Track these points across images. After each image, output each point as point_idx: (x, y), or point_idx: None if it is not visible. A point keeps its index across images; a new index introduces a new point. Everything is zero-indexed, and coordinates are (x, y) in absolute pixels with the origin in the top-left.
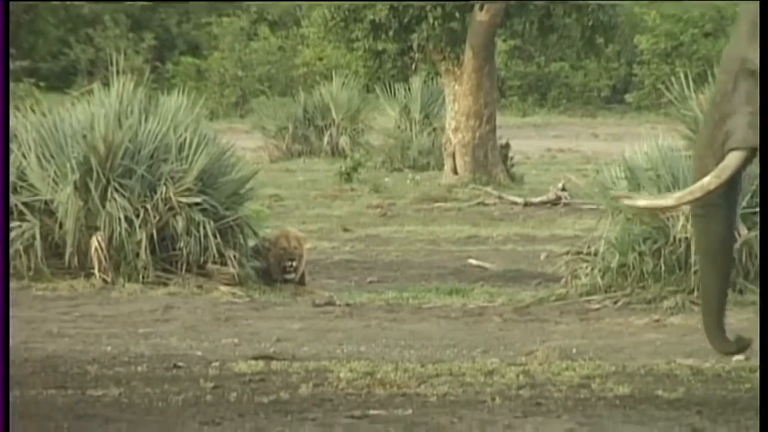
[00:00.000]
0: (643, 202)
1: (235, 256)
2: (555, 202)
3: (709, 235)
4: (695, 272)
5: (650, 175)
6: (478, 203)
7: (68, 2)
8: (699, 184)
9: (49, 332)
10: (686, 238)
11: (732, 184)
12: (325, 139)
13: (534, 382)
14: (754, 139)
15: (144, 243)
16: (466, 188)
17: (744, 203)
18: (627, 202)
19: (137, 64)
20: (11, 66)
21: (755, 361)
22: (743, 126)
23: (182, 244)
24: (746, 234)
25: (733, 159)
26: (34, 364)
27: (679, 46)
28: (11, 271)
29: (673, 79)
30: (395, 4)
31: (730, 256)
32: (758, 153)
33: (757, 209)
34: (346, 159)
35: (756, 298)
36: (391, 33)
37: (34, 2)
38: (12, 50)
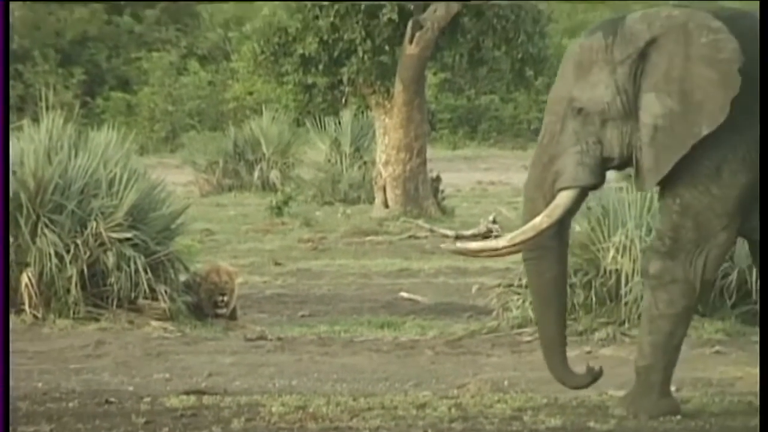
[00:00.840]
0: (474, 245)
1: (166, 291)
2: (486, 235)
3: (543, 277)
4: (626, 303)
5: (581, 207)
6: (410, 236)
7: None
8: (531, 224)
9: None
10: (617, 270)
11: (563, 225)
12: (256, 173)
13: (466, 415)
14: (584, 178)
15: (75, 278)
16: (398, 221)
17: None
18: (460, 247)
19: (67, 99)
20: None
21: (687, 392)
22: (572, 165)
23: (113, 280)
24: None
25: (563, 198)
26: None
27: None
28: None
29: None
30: (325, 37)
31: (564, 296)
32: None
33: None
34: (276, 193)
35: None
36: (321, 67)
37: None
38: None
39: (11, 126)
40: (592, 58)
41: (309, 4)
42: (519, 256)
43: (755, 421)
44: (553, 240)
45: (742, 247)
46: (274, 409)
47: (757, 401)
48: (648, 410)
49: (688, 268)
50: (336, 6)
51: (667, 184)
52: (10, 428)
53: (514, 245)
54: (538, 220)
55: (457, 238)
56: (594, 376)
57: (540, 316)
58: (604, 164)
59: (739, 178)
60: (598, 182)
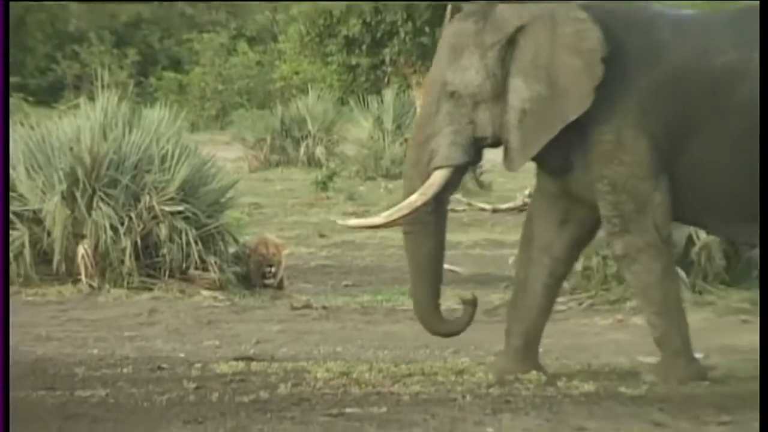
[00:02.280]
0: (355, 222)
1: (216, 262)
2: (522, 209)
3: (420, 249)
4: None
5: None
6: (449, 210)
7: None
8: (407, 201)
9: (39, 336)
10: None
11: (439, 202)
12: (302, 149)
13: (502, 381)
14: (457, 157)
15: (129, 250)
16: None
17: None
18: (342, 223)
19: (121, 79)
20: None
21: (715, 359)
22: (446, 145)
23: (165, 251)
24: (704, 238)
25: (438, 177)
26: (24, 366)
27: None
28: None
29: None
30: (368, 19)
31: (440, 268)
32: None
33: None
34: (321, 168)
35: (713, 298)
36: (364, 48)
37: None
38: None
39: (67, 104)
40: (463, 42)
41: None
42: None
43: None
44: (430, 215)
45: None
46: (318, 375)
47: None
48: (677, 376)
49: (644, 234)
50: None
51: (589, 171)
52: (66, 392)
53: (392, 220)
54: (413, 197)
55: (494, 211)
56: (469, 316)
57: (415, 283)
58: (476, 143)
59: (640, 143)
60: (472, 160)
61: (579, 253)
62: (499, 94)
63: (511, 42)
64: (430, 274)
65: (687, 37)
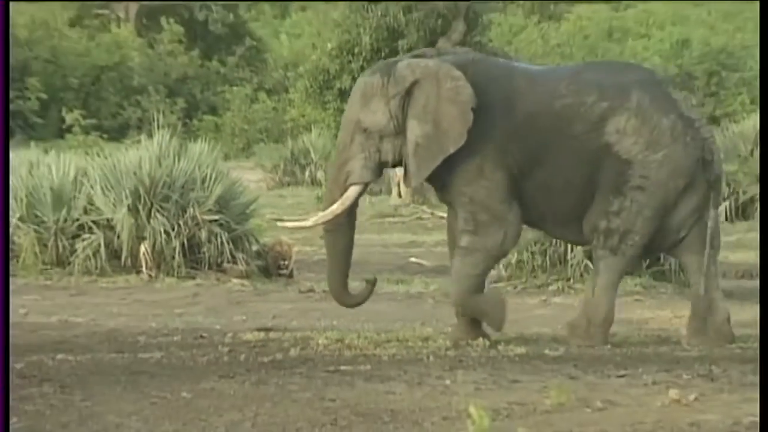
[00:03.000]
0: (289, 224)
1: (243, 258)
2: None
3: (336, 246)
4: (571, 265)
5: None
6: (417, 218)
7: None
8: (330, 209)
9: (111, 312)
10: (564, 241)
11: (352, 209)
12: (307, 173)
13: (457, 345)
14: (367, 176)
15: (177, 248)
16: (408, 207)
17: None
18: (280, 224)
19: (172, 121)
20: (84, 122)
21: (615, 328)
22: (359, 168)
23: (205, 249)
24: None
25: (352, 191)
26: (100, 335)
27: None
28: (82, 269)
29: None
30: (356, 76)
31: (349, 258)
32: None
33: None
34: (321, 187)
35: None
36: None
37: (99, 76)
38: (83, 111)
39: (132, 140)
40: (372, 92)
41: (344, 51)
42: None
43: (663, 348)
44: (345, 219)
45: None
46: (320, 342)
47: (664, 334)
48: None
49: (488, 241)
50: (363, 53)
51: (453, 188)
52: (129, 354)
53: (318, 224)
54: (335, 206)
55: None
56: (369, 290)
57: (331, 271)
58: (381, 166)
59: (498, 174)
60: (377, 178)
61: None
62: (399, 131)
63: (408, 93)
64: (343, 263)
65: (537, 87)
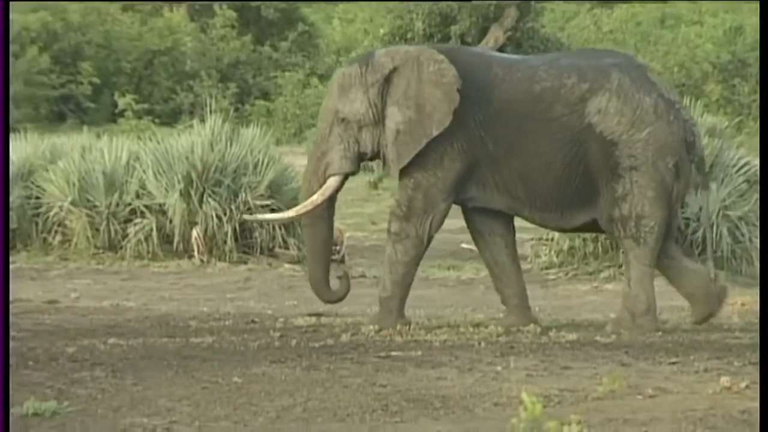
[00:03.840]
0: (270, 216)
1: (294, 243)
2: None
3: (316, 238)
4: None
5: None
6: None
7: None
8: (310, 200)
9: (163, 297)
10: None
11: (331, 200)
12: None
13: (509, 332)
14: (346, 167)
15: (230, 233)
16: None
17: None
18: (259, 216)
19: (224, 105)
20: (136, 106)
21: (666, 315)
22: (338, 158)
23: (257, 234)
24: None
25: (332, 182)
26: (152, 320)
27: None
28: (134, 254)
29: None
30: None
31: (329, 251)
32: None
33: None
34: (373, 172)
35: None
36: None
37: (151, 60)
38: (135, 96)
39: (184, 125)
40: (351, 82)
41: (397, 37)
42: None
43: (715, 336)
44: (325, 211)
45: (706, 209)
46: (371, 327)
47: (716, 322)
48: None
49: (418, 227)
50: (416, 39)
51: (404, 169)
52: (180, 339)
53: (299, 215)
54: (315, 197)
55: None
56: (346, 288)
57: (311, 264)
58: (360, 157)
59: (455, 164)
60: (356, 170)
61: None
62: (378, 120)
63: (387, 80)
64: (323, 256)
65: (515, 73)
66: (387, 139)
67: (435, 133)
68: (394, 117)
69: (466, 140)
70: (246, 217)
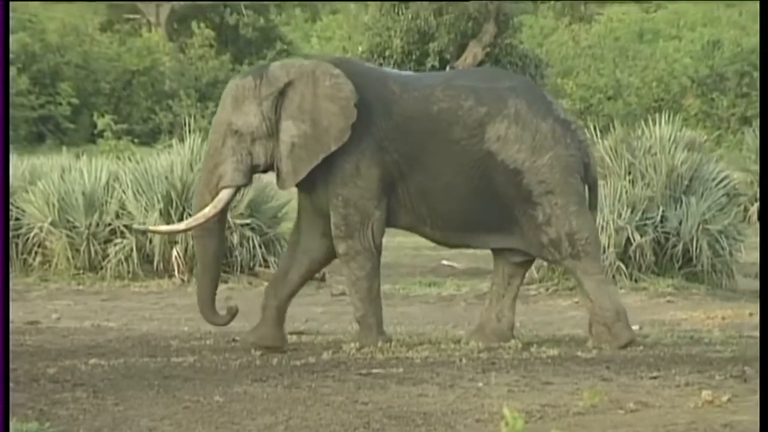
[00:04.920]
0: (164, 228)
1: (275, 261)
2: None
3: (207, 251)
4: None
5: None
6: None
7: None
8: (202, 213)
9: (144, 317)
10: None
11: (223, 213)
12: None
13: (490, 348)
14: (239, 180)
15: None
16: None
17: (637, 217)
18: (152, 230)
19: (203, 125)
20: (115, 127)
21: (647, 330)
22: (231, 171)
23: (237, 253)
24: (639, 240)
25: (225, 194)
26: (133, 340)
27: (590, 106)
28: (115, 274)
29: (586, 130)
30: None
31: (219, 266)
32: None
33: (646, 222)
34: None
35: (646, 284)
36: None
37: (130, 81)
38: (114, 116)
39: (163, 144)
40: (245, 94)
41: (375, 54)
42: None
43: (696, 350)
44: (216, 224)
45: (686, 223)
46: (352, 345)
47: (697, 335)
48: (371, 342)
49: (363, 241)
50: (394, 56)
51: (328, 190)
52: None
53: (190, 227)
54: (207, 209)
55: None
56: (232, 315)
57: (200, 278)
58: (253, 170)
59: (373, 171)
60: (248, 182)
61: (332, 257)
62: (272, 133)
63: (282, 94)
64: (213, 271)
65: (411, 92)
66: (281, 153)
67: (333, 147)
68: (289, 131)
69: (376, 148)
70: (137, 227)
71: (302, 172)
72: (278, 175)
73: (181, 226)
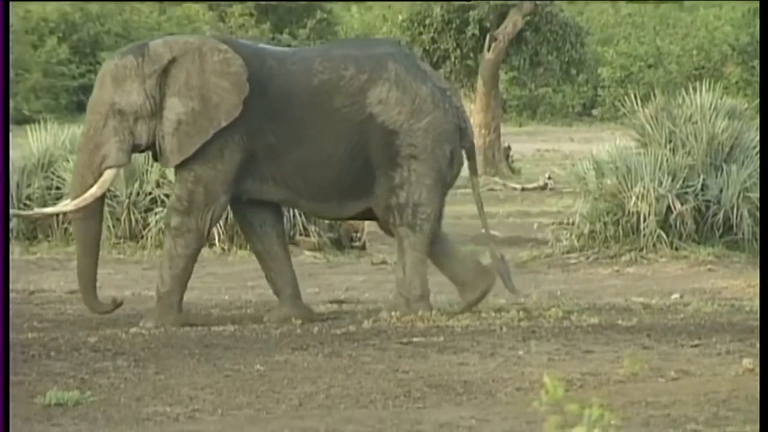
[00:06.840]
0: (47, 210)
1: (315, 230)
2: (543, 188)
3: (89, 232)
4: (644, 235)
5: (611, 166)
6: (489, 189)
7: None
8: (89, 193)
9: None
10: (637, 211)
11: (104, 195)
12: None
13: (530, 316)
14: (122, 159)
15: None
16: (480, 178)
17: (677, 185)
18: (37, 213)
19: None
20: None
21: (688, 298)
22: (114, 151)
23: None
24: (680, 207)
25: (109, 174)
26: None
27: (630, 74)
28: (155, 243)
29: (626, 98)
30: (427, 47)
31: (99, 246)
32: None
33: (687, 190)
34: None
35: (687, 253)
36: None
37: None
38: None
39: None
40: (126, 73)
41: (415, 23)
42: (567, 203)
43: (737, 318)
44: (97, 204)
45: (726, 192)
46: (393, 313)
47: (738, 304)
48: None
49: (200, 221)
50: (434, 25)
51: (183, 162)
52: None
53: (78, 208)
54: (94, 189)
55: (523, 189)
56: (115, 305)
57: (81, 261)
58: (135, 149)
59: (235, 156)
60: (129, 162)
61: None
62: (155, 111)
63: (165, 71)
64: (94, 253)
65: (289, 67)
66: (165, 131)
67: (223, 123)
68: (175, 108)
69: (247, 132)
70: (15, 212)
71: (189, 150)
72: (161, 153)
73: (69, 206)
